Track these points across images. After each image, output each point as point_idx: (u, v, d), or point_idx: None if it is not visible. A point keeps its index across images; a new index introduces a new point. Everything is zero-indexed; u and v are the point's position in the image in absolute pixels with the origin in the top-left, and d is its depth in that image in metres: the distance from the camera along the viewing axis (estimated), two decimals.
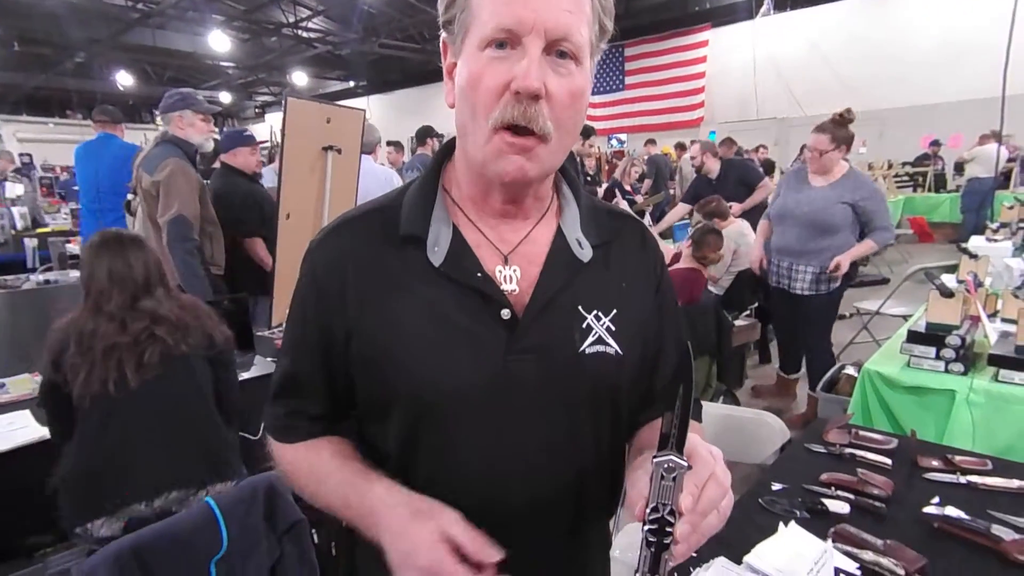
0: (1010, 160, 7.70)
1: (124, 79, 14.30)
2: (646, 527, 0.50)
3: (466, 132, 0.61)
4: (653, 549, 0.50)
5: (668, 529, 0.50)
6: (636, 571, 0.51)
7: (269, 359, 2.22)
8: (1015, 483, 1.14)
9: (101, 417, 1.45)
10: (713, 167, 4.37)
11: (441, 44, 0.65)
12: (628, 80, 13.04)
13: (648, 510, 0.50)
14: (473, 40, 0.58)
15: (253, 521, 1.28)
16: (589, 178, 6.69)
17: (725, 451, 1.85)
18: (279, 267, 2.38)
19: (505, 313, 0.62)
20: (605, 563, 0.82)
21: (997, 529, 0.99)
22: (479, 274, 0.63)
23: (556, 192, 0.70)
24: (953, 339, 1.75)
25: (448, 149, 0.70)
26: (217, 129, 2.65)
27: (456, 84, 0.61)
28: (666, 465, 0.50)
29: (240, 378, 2.06)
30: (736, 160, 4.56)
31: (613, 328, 0.65)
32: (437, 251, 0.63)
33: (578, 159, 4.90)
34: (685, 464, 0.50)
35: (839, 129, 2.71)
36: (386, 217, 0.66)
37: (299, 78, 15.25)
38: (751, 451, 1.57)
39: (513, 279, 0.64)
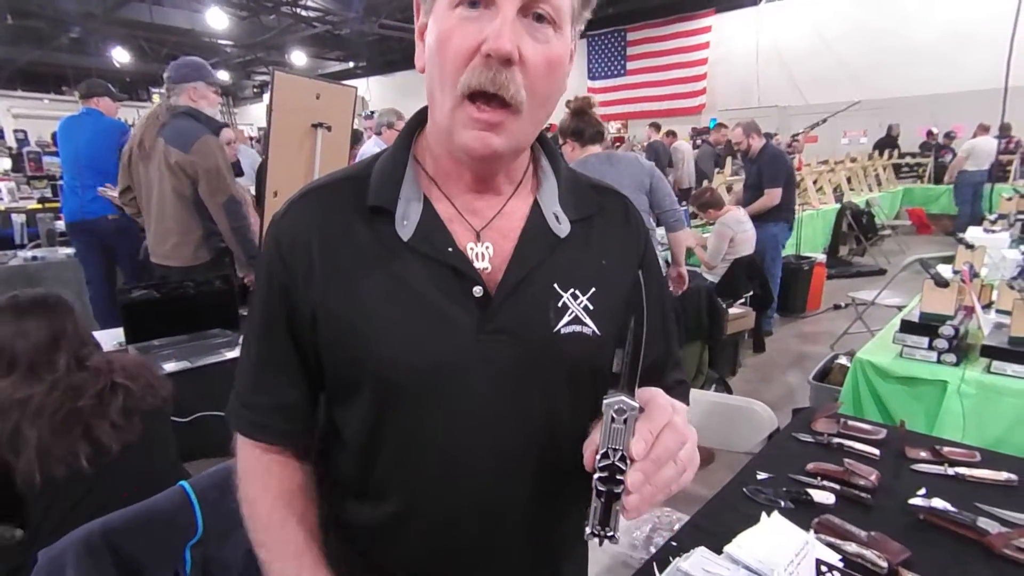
0: (1006, 152, 7.65)
1: (120, 55, 14.07)
2: (596, 475, 0.48)
3: (434, 99, 0.57)
4: (603, 499, 0.47)
5: (619, 477, 0.47)
6: (586, 523, 0.48)
7: None
8: (1003, 475, 1.12)
9: (75, 500, 1.24)
10: (756, 145, 4.27)
11: (414, 5, 0.61)
12: (630, 65, 12.90)
13: (598, 456, 0.47)
14: None
15: (229, 506, 1.26)
16: None
17: (713, 439, 1.82)
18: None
19: (477, 291, 0.59)
20: (582, 550, 0.80)
21: (983, 522, 0.97)
22: (450, 249, 0.59)
23: (534, 164, 0.67)
24: (946, 329, 1.73)
25: (420, 117, 0.66)
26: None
27: (426, 46, 0.57)
28: (616, 407, 0.47)
29: (225, 358, 2.05)
30: (771, 150, 4.32)
31: (591, 307, 0.62)
32: (406, 224, 0.60)
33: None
34: (636, 406, 0.48)
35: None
36: (357, 186, 0.62)
37: (298, 58, 15.03)
38: (739, 439, 1.56)
39: (486, 255, 0.61)
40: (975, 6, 8.71)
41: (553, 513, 0.67)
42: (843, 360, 2.71)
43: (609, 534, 0.48)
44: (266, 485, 0.68)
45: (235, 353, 2.08)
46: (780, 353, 4.20)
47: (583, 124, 2.63)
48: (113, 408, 1.30)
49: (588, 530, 0.49)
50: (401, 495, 0.65)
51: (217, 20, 11.32)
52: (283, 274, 0.62)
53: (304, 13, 12.32)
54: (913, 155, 9.44)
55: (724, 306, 3.41)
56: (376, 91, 16.32)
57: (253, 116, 18.93)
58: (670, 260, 2.85)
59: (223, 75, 16.61)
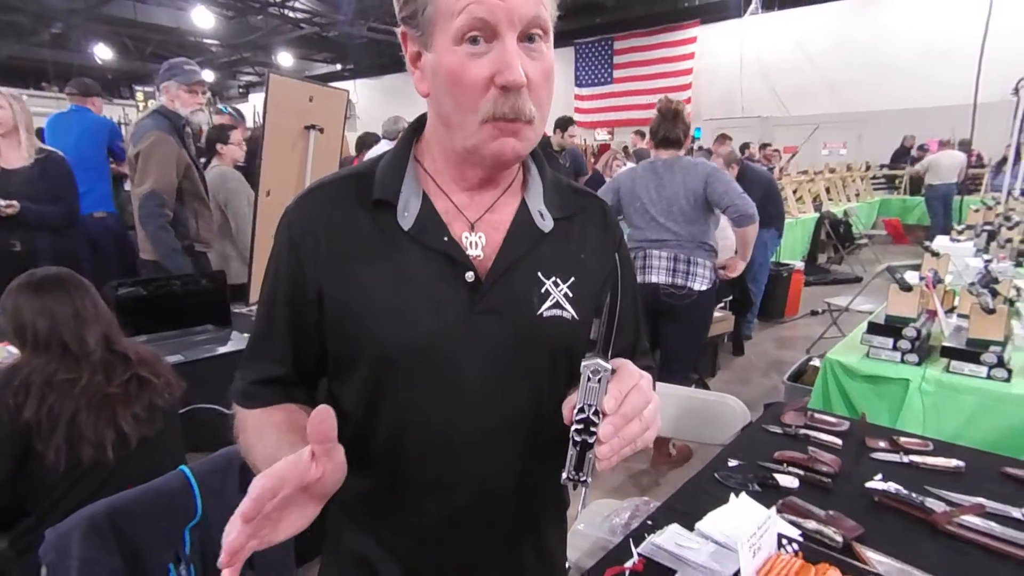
0: (976, 167, 7.93)
1: (103, 52, 13.92)
2: (573, 427, 0.55)
3: (451, 124, 0.64)
4: (578, 448, 0.55)
5: (593, 429, 0.54)
6: (564, 470, 0.55)
7: (245, 335, 2.22)
8: (952, 463, 1.21)
9: (91, 490, 1.25)
10: (732, 175, 4.29)
11: (400, 35, 0.66)
12: (616, 73, 13.08)
13: (575, 410, 0.55)
14: (446, 35, 0.59)
15: (228, 490, 1.30)
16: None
17: (689, 432, 1.91)
18: (258, 243, 2.39)
19: (469, 276, 0.66)
20: (561, 521, 0.86)
21: (930, 502, 1.06)
22: (446, 239, 0.66)
23: (523, 167, 0.74)
24: (909, 331, 1.83)
25: (418, 126, 0.73)
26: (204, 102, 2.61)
27: (432, 78, 0.63)
28: (592, 368, 0.55)
29: (216, 352, 2.08)
30: (749, 174, 4.19)
31: (571, 295, 0.70)
32: (407, 216, 0.67)
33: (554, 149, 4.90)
34: (609, 368, 0.55)
35: None
36: (360, 183, 0.69)
37: (284, 59, 14.99)
38: (713, 432, 1.63)
39: (478, 245, 0.68)
40: (947, 25, 9.03)
41: (536, 482, 0.73)
42: (816, 362, 2.81)
43: (582, 479, 0.55)
44: (267, 416, 0.70)
45: (226, 348, 2.12)
46: (758, 356, 4.32)
47: (655, 125, 2.63)
48: (136, 400, 1.34)
49: (564, 475, 0.55)
50: (396, 464, 0.71)
51: (203, 19, 11.28)
52: (293, 259, 0.68)
53: (292, 14, 12.30)
54: (891, 167, 9.71)
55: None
56: (364, 94, 16.27)
57: None
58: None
59: (208, 75, 16.49)
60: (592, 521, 1.59)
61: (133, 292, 2.16)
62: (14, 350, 1.66)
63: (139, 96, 12.91)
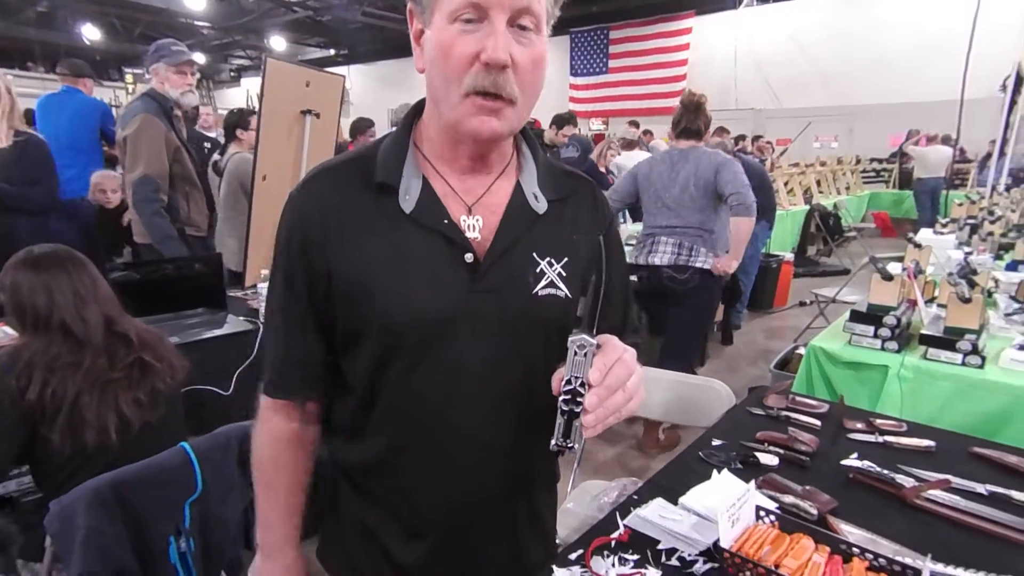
0: (958, 162, 8.01)
1: (91, 32, 13.68)
2: (561, 397, 0.59)
3: (439, 97, 0.67)
4: (566, 417, 0.59)
5: (579, 399, 0.58)
6: (552, 437, 0.60)
7: (241, 318, 2.25)
8: (924, 443, 1.27)
9: (96, 472, 1.23)
10: None
11: (408, 11, 0.70)
12: (612, 63, 13.06)
13: (563, 382, 0.59)
14: (443, 12, 0.63)
15: (227, 467, 1.34)
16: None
17: (676, 415, 1.96)
18: (254, 228, 2.41)
19: (468, 257, 0.69)
20: (552, 490, 0.91)
21: (900, 478, 1.11)
22: (446, 221, 0.70)
23: (517, 151, 0.77)
24: (890, 319, 1.89)
25: (418, 109, 0.76)
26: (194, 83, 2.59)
27: (426, 53, 0.67)
28: (579, 343, 0.59)
29: (212, 335, 2.11)
30: (746, 163, 4.08)
31: (564, 274, 0.73)
32: (408, 199, 0.70)
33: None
34: (594, 343, 0.59)
35: None
36: (362, 167, 0.72)
37: (277, 43, 14.79)
38: (700, 415, 1.69)
39: (476, 227, 0.72)
40: (937, 21, 9.10)
41: (529, 451, 0.78)
42: (802, 351, 2.88)
43: (569, 445, 0.60)
44: (272, 436, 0.80)
45: (222, 331, 2.14)
46: (747, 346, 4.39)
47: (678, 116, 2.75)
48: (139, 385, 1.35)
49: (553, 443, 0.60)
50: (397, 433, 0.75)
51: (194, 0, 11.10)
52: (302, 240, 0.71)
53: None
54: (880, 160, 9.81)
55: None
56: (357, 80, 16.11)
57: (230, 100, 18.59)
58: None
59: (199, 58, 16.25)
60: (581, 500, 1.64)
61: (127, 275, 2.17)
62: (11, 331, 1.67)
63: (128, 79, 12.73)
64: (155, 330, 1.49)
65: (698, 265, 2.65)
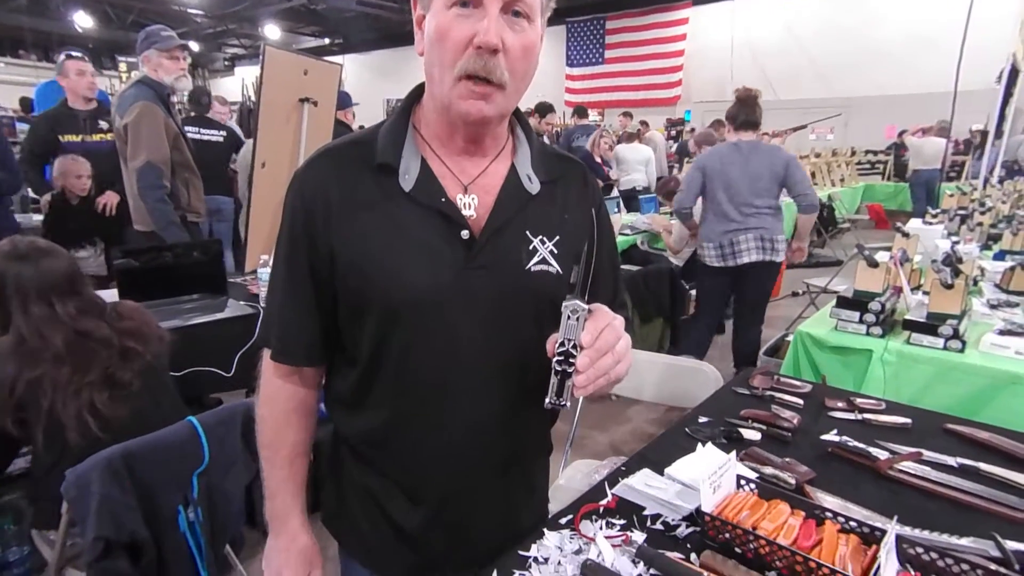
0: (957, 153, 8.06)
1: (83, 20, 13.57)
2: (555, 359, 0.64)
3: (434, 78, 0.71)
4: (559, 376, 0.64)
5: (572, 361, 0.63)
6: (547, 396, 0.65)
7: (241, 302, 2.29)
8: (899, 419, 1.33)
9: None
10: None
11: None
12: (608, 54, 13.03)
13: (557, 344, 0.64)
14: None
15: (231, 441, 1.39)
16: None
17: (665, 396, 2.01)
18: (253, 213, 2.44)
19: (464, 234, 0.74)
20: (545, 460, 0.96)
21: (876, 451, 1.17)
22: (443, 199, 0.74)
23: (512, 134, 0.81)
24: (875, 305, 1.95)
25: (417, 92, 0.80)
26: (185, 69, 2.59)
27: (425, 36, 0.71)
28: (572, 308, 0.64)
29: (213, 318, 2.15)
30: None
31: (555, 252, 0.78)
32: (407, 178, 0.74)
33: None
34: (586, 308, 0.64)
35: None
36: (363, 148, 0.76)
37: (271, 31, 14.71)
38: (688, 396, 1.74)
39: (471, 206, 0.76)
40: (932, 12, 9.11)
41: (522, 420, 0.83)
42: (792, 338, 2.95)
43: (562, 403, 0.64)
44: (275, 401, 0.84)
45: (223, 315, 2.18)
46: None
47: (735, 110, 2.99)
48: (122, 369, 1.36)
49: (547, 400, 0.64)
50: (397, 404, 0.79)
51: None
52: (305, 219, 0.75)
53: None
54: (875, 152, 9.85)
55: (687, 288, 3.62)
56: (352, 70, 15.99)
57: (224, 89, 18.48)
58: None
59: (193, 46, 16.12)
60: (573, 477, 1.70)
61: (127, 263, 2.20)
62: None
63: (122, 67, 12.62)
64: (134, 305, 1.49)
65: (779, 260, 2.95)
